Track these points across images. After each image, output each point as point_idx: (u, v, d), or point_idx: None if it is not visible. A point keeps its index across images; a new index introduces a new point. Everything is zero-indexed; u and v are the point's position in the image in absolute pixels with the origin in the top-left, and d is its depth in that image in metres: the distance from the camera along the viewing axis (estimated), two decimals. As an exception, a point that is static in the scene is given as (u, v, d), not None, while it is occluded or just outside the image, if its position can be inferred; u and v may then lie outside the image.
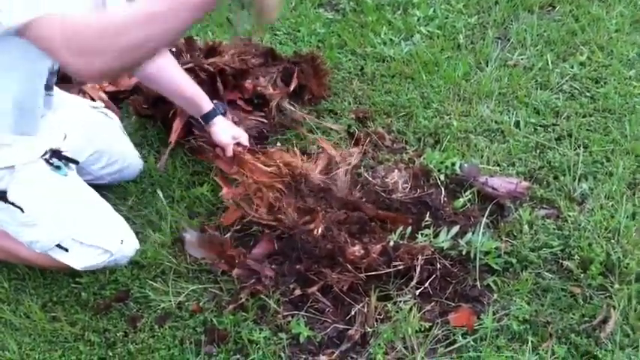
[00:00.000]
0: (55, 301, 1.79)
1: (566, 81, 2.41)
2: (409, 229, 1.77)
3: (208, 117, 1.99)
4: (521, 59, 2.56)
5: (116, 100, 2.42)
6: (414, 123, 2.26)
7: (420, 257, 1.68)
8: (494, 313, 1.62)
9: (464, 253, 1.73)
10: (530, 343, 1.55)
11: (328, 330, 1.63)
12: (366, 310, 1.63)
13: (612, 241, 1.77)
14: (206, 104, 1.98)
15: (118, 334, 1.68)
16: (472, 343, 1.58)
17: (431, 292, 1.68)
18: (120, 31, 1.16)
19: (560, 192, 1.95)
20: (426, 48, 2.64)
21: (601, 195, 1.92)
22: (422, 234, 1.76)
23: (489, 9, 2.87)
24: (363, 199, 1.89)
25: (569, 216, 1.85)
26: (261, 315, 1.68)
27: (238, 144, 2.00)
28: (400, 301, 1.66)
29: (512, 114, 2.27)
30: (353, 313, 1.65)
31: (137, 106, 2.29)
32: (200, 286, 1.77)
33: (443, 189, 1.94)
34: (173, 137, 2.14)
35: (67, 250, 1.72)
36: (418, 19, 2.83)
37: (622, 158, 2.04)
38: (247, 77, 2.27)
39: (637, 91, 2.34)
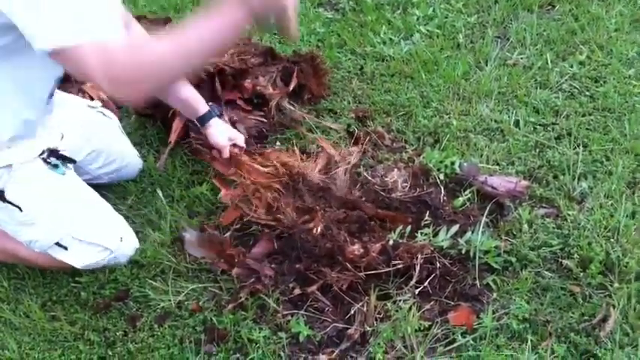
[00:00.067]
0: (55, 301, 1.80)
1: (566, 80, 2.41)
2: (409, 228, 1.77)
3: (204, 119, 1.98)
4: (521, 58, 2.56)
5: (116, 99, 2.42)
6: (413, 122, 2.26)
7: (419, 256, 1.68)
8: (493, 312, 1.62)
9: (463, 252, 1.73)
10: (529, 342, 1.55)
11: (328, 329, 1.63)
12: (365, 309, 1.63)
13: (612, 240, 1.77)
14: (202, 106, 1.96)
15: (117, 334, 1.68)
16: (471, 342, 1.58)
17: (430, 291, 1.68)
18: (159, 65, 1.23)
19: (560, 191, 1.95)
20: (426, 47, 2.64)
21: (600, 194, 1.92)
22: (421, 233, 1.76)
23: (489, 8, 2.87)
24: (363, 199, 1.89)
25: (569, 215, 1.85)
26: (260, 314, 1.68)
27: (235, 145, 2.00)
28: (400, 300, 1.66)
29: (512, 113, 2.27)
30: (352, 312, 1.65)
31: (137, 106, 2.29)
32: (200, 286, 1.77)
33: (442, 188, 1.94)
34: (173, 137, 2.14)
35: (66, 249, 1.72)
36: (417, 19, 2.84)
37: (621, 157, 2.04)
38: (247, 77, 2.27)
39: (636, 90, 2.33)
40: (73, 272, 1.82)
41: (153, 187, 2.09)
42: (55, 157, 1.73)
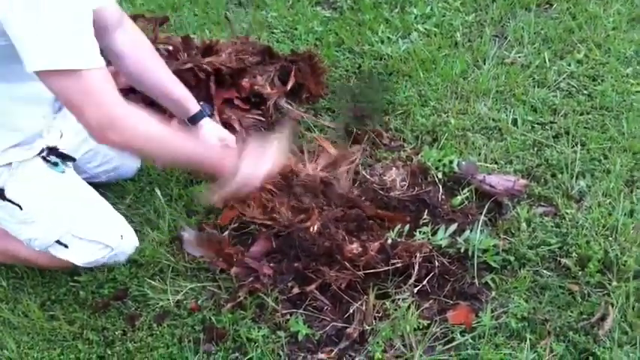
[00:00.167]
0: (54, 300, 1.79)
1: (564, 79, 2.42)
2: (407, 226, 1.77)
3: (195, 119, 1.95)
4: (519, 57, 2.56)
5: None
6: (411, 121, 2.26)
7: (418, 255, 1.69)
8: (492, 311, 1.62)
9: (462, 250, 1.73)
10: (528, 340, 1.55)
11: (327, 328, 1.63)
12: (364, 308, 1.63)
13: (610, 238, 1.78)
14: (193, 106, 1.94)
15: (116, 333, 1.68)
16: (470, 340, 1.58)
17: (429, 289, 1.68)
18: (141, 141, 1.46)
19: (558, 189, 1.96)
20: (424, 46, 2.64)
21: (598, 192, 1.92)
22: (420, 232, 1.76)
23: (487, 7, 2.87)
24: (362, 197, 1.90)
25: (567, 213, 1.86)
26: (259, 313, 1.68)
27: (225, 146, 1.99)
28: (398, 299, 1.66)
29: (510, 112, 2.27)
30: (351, 311, 1.64)
31: (135, 104, 2.28)
32: (198, 285, 1.77)
33: (441, 187, 1.95)
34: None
35: (66, 247, 1.72)
36: (415, 17, 2.84)
37: (619, 156, 2.04)
38: (244, 76, 2.27)
39: (634, 88, 2.34)
40: (72, 272, 1.82)
41: (151, 186, 2.09)
42: (54, 156, 1.74)
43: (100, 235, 1.75)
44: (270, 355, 1.58)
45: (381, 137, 2.18)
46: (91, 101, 1.36)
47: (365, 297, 1.65)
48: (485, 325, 1.58)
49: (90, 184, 1.87)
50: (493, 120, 2.24)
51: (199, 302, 1.72)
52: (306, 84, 2.38)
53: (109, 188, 2.07)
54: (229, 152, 1.68)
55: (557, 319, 1.60)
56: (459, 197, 1.91)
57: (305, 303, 1.68)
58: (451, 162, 1.99)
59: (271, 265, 1.76)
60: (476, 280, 1.70)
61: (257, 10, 3.02)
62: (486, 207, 1.87)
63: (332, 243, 1.71)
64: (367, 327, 1.61)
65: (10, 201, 1.65)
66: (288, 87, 2.34)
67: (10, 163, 1.64)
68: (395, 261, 1.68)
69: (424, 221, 1.81)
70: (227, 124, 2.15)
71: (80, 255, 1.75)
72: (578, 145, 2.10)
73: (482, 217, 1.83)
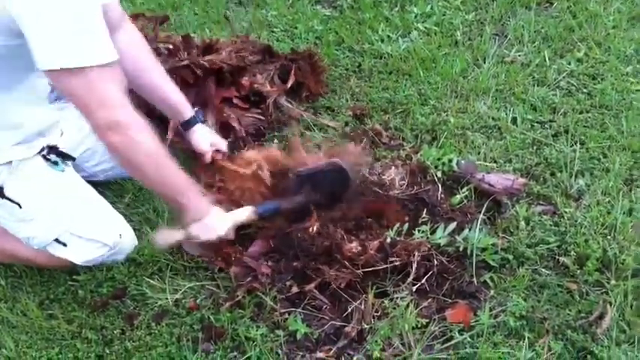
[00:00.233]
0: (52, 299, 1.79)
1: (564, 77, 2.41)
2: (406, 225, 1.77)
3: (189, 124, 1.95)
4: (519, 56, 2.56)
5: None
6: (411, 120, 2.26)
7: (416, 254, 1.68)
8: (490, 310, 1.62)
9: (461, 249, 1.73)
10: (526, 339, 1.55)
11: (325, 327, 1.63)
12: (363, 306, 1.63)
13: (609, 237, 1.77)
14: (187, 111, 1.94)
15: (115, 332, 1.68)
16: (469, 339, 1.58)
17: (428, 288, 1.68)
18: (142, 156, 1.50)
19: (557, 188, 1.95)
20: (424, 45, 2.64)
21: (597, 191, 1.92)
22: (419, 230, 1.76)
23: (487, 5, 2.87)
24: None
25: (566, 212, 1.86)
26: (258, 312, 1.68)
27: (217, 151, 1.99)
28: (397, 298, 1.66)
29: (510, 110, 2.27)
30: (350, 309, 1.64)
31: (134, 104, 2.28)
32: (197, 284, 1.77)
33: (440, 185, 1.94)
34: (170, 134, 2.14)
35: (65, 245, 1.73)
36: (415, 16, 2.84)
37: (618, 154, 2.04)
38: (244, 74, 2.27)
39: (634, 87, 2.34)
40: (71, 271, 1.82)
41: (150, 185, 2.09)
42: (54, 154, 1.75)
43: (98, 234, 1.75)
44: (268, 354, 1.58)
45: (381, 136, 2.18)
46: (95, 99, 1.39)
47: (364, 296, 1.65)
48: (484, 323, 1.58)
49: (89, 182, 1.87)
50: (493, 119, 2.24)
51: (198, 301, 1.72)
52: (306, 83, 2.39)
53: (108, 187, 2.07)
54: (203, 200, 1.72)
55: (556, 317, 1.60)
56: (458, 196, 1.91)
57: (304, 302, 1.68)
58: (450, 161, 1.99)
59: (270, 264, 1.76)
60: (474, 279, 1.70)
61: (257, 9, 3.02)
62: (485, 206, 1.87)
63: (331, 242, 1.71)
64: (366, 326, 1.61)
65: (9, 199, 1.65)
66: (288, 85, 2.34)
67: (11, 162, 1.65)
68: (394, 259, 1.68)
69: (423, 220, 1.81)
70: (226, 123, 2.16)
71: (79, 254, 1.75)
72: (578, 144, 2.10)
73: (481, 216, 1.82)
